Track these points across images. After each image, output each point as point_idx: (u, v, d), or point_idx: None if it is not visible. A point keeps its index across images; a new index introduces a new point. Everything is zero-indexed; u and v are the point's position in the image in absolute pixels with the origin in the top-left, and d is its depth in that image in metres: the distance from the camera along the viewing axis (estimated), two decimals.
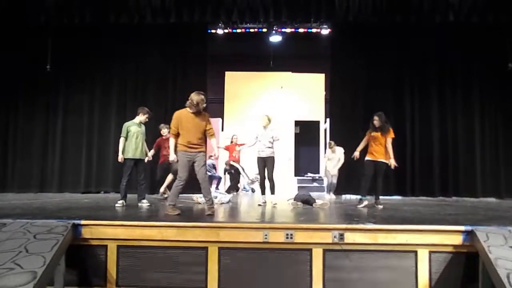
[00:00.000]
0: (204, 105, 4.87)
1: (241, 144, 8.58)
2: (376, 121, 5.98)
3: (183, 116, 4.88)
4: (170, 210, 4.85)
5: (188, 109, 4.87)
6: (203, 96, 4.83)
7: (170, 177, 7.12)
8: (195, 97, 4.80)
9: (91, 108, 9.12)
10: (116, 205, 5.79)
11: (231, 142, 9.10)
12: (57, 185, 8.95)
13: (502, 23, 8.14)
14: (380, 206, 5.92)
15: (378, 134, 5.96)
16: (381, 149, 5.95)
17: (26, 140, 9.10)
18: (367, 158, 6.06)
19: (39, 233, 3.63)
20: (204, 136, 4.93)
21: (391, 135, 6.00)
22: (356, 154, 6.15)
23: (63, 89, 9.20)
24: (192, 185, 8.66)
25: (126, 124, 6.01)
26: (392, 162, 5.91)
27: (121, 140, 5.93)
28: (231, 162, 8.95)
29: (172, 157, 4.97)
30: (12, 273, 3.06)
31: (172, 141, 4.92)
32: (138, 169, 5.97)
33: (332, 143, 8.40)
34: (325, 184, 9.10)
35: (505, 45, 8.51)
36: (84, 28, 8.64)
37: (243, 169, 9.12)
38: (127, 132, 5.91)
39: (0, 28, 8.56)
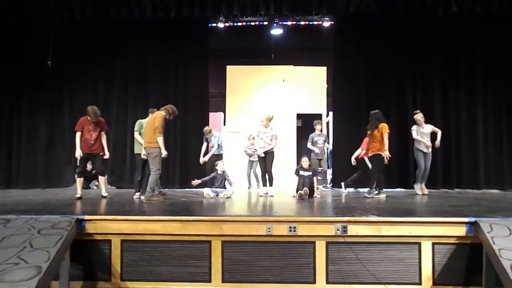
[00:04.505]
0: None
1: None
2: (370, 118, 6.63)
3: None
4: (154, 198, 5.91)
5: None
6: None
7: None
8: None
9: (94, 104, 9.05)
10: (134, 196, 6.40)
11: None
12: (62, 181, 8.98)
13: (506, 14, 8.03)
14: (369, 196, 6.41)
15: (372, 132, 6.53)
16: (376, 145, 6.49)
17: (30, 137, 9.09)
18: (369, 154, 6.69)
19: (43, 228, 3.65)
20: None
21: (385, 130, 6.47)
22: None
23: (66, 85, 9.16)
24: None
25: (141, 121, 6.56)
26: (387, 154, 6.42)
27: (136, 135, 6.49)
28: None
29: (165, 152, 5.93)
30: (17, 268, 3.08)
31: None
32: (146, 164, 6.36)
33: (419, 114, 7.01)
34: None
35: (508, 35, 8.41)
36: (86, 24, 8.59)
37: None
38: (141, 128, 6.41)
39: (1, 25, 8.54)
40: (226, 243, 3.91)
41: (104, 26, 8.76)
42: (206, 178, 6.77)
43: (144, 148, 6.07)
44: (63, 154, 9.00)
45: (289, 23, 9.28)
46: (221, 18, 8.91)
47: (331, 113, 9.99)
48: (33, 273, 3.03)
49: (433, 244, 3.83)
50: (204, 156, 8.00)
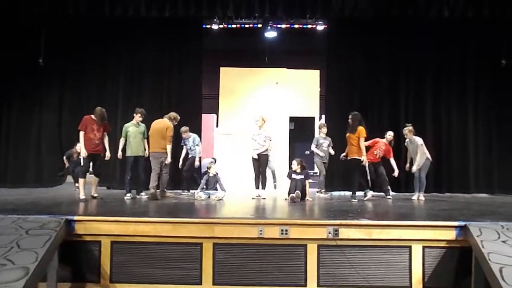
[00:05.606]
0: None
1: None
2: (350, 120, 6.60)
3: None
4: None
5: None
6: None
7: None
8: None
9: (86, 102, 9.00)
10: (125, 197, 6.34)
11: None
12: (52, 181, 8.87)
13: (497, 19, 8.14)
14: (355, 201, 6.42)
15: (351, 134, 6.55)
16: (354, 148, 6.52)
17: (20, 135, 8.96)
18: (348, 158, 6.76)
19: (32, 228, 3.59)
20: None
21: (362, 134, 6.46)
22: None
23: (58, 83, 9.06)
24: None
25: (125, 125, 6.69)
26: (363, 159, 6.46)
27: (121, 140, 6.61)
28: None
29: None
30: (4, 269, 3.02)
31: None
32: (138, 165, 6.55)
33: (406, 128, 6.99)
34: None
35: (499, 40, 8.53)
36: (79, 21, 8.51)
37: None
38: (126, 133, 6.55)
39: None
40: (218, 245, 3.89)
41: (98, 24, 8.68)
42: (202, 185, 6.72)
43: (153, 152, 6.42)
44: (53, 152, 8.89)
45: (283, 26, 9.31)
46: (215, 19, 8.90)
47: (323, 117, 10.02)
48: (20, 274, 2.97)
49: (424, 247, 3.86)
50: (183, 161, 7.80)
